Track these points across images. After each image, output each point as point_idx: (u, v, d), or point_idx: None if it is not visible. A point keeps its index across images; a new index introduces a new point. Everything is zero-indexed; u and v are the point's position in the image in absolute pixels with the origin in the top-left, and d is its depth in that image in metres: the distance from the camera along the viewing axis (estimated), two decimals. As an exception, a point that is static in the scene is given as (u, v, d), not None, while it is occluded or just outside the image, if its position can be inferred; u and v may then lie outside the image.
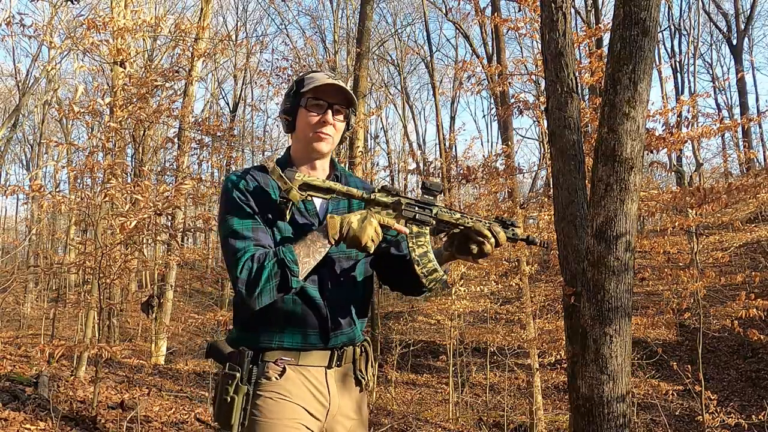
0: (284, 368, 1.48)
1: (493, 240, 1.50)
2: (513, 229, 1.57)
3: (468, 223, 1.51)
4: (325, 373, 1.52)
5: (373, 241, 1.43)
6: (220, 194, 1.53)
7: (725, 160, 18.72)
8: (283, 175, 1.45)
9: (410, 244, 1.51)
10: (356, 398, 1.60)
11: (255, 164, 1.59)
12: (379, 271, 1.72)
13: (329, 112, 1.54)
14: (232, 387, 1.42)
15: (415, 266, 1.50)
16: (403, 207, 1.50)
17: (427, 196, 1.53)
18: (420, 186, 1.55)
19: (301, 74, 1.63)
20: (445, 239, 1.59)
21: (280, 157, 1.66)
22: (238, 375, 1.43)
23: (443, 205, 1.56)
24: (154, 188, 4.81)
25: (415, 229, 1.51)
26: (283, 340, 1.48)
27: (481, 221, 1.53)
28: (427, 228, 1.52)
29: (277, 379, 1.47)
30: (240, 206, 1.47)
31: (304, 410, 1.48)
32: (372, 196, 1.49)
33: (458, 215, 1.53)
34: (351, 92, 1.56)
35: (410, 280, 1.60)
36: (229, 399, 1.41)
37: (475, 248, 1.51)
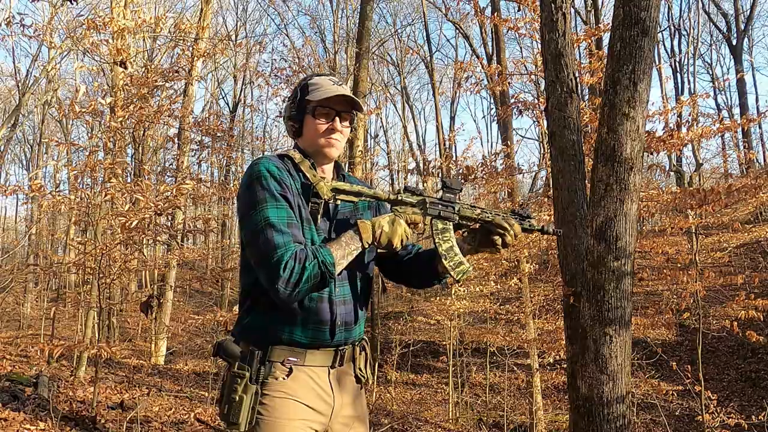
0: (291, 369, 1.49)
1: (512, 231, 1.59)
2: (529, 221, 1.66)
3: (488, 217, 1.61)
4: (328, 373, 1.55)
5: (402, 241, 1.51)
6: (250, 180, 1.47)
7: (725, 160, 18.71)
8: (312, 168, 1.53)
9: (437, 240, 1.58)
10: (357, 396, 1.63)
11: (273, 153, 1.61)
12: (386, 270, 1.79)
13: (337, 119, 1.59)
14: (240, 386, 1.43)
15: (443, 260, 1.57)
16: (428, 205, 1.58)
17: (448, 194, 1.61)
18: (441, 185, 1.64)
19: (303, 79, 1.64)
20: (465, 235, 1.67)
21: (293, 151, 1.65)
22: (247, 374, 1.44)
23: (464, 202, 1.65)
24: (155, 188, 4.82)
25: (440, 225, 1.59)
26: (293, 333, 1.49)
27: (499, 215, 1.61)
28: (451, 224, 1.60)
29: (284, 379, 1.48)
30: (275, 196, 1.46)
31: (310, 409, 1.50)
32: (398, 197, 1.56)
33: (478, 210, 1.62)
34: (357, 99, 1.60)
35: (418, 276, 1.71)
36: (237, 398, 1.43)
37: (498, 240, 1.60)
